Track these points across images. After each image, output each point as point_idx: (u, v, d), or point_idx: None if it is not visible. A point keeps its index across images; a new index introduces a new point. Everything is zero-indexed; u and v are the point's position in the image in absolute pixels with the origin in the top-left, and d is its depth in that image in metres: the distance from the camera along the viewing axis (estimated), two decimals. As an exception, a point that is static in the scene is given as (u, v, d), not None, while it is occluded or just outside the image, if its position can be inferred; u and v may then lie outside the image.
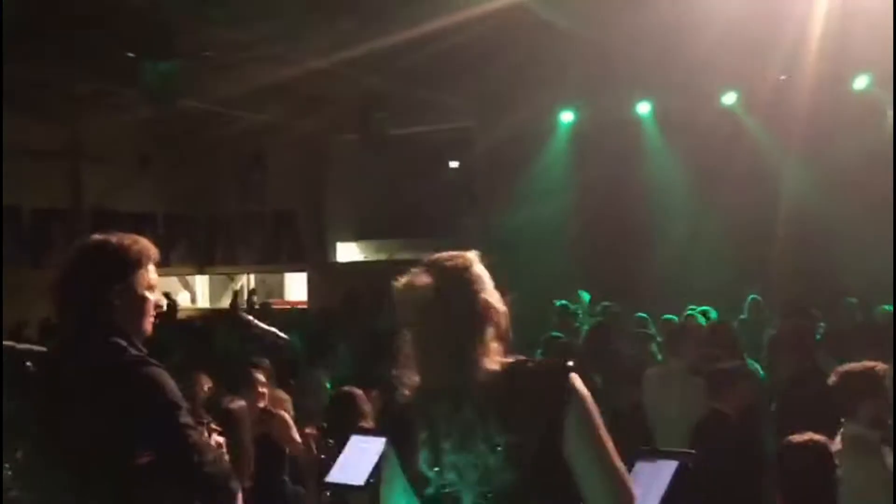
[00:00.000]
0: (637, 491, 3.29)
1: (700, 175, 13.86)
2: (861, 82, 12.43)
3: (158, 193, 18.52)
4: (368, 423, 4.50)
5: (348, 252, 19.03)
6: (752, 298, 9.37)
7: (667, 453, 3.40)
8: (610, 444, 1.99)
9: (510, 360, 2.05)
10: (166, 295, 16.05)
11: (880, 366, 4.00)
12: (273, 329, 5.03)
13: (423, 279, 2.02)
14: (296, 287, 19.27)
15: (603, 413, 2.03)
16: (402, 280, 2.06)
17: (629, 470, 3.34)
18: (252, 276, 20.13)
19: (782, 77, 12.43)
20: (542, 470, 1.93)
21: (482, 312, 2.01)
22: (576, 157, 15.31)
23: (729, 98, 13.65)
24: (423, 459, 2.00)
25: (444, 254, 2.14)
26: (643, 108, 14.47)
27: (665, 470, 3.25)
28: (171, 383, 2.35)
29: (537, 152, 15.67)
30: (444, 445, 1.98)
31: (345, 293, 13.59)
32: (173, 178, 18.50)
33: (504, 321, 2.07)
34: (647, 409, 5.78)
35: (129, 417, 2.26)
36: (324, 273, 17.95)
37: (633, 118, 14.58)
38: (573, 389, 1.97)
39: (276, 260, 19.07)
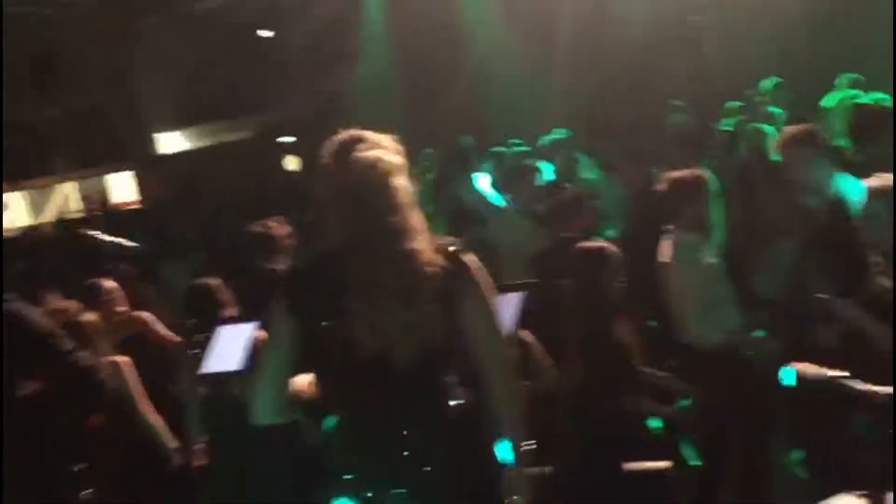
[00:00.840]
0: None
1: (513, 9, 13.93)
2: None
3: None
4: (230, 313, 4.43)
5: (171, 142, 18.15)
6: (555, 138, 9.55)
7: (511, 286, 3.63)
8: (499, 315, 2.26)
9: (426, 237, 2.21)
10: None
11: (702, 173, 4.28)
12: (115, 239, 4.77)
13: (392, 157, 2.15)
14: (122, 188, 18.29)
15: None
16: (366, 153, 2.11)
17: None
18: (74, 184, 18.93)
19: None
20: (455, 334, 2.19)
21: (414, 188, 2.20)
22: (390, 9, 15.01)
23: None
24: (362, 325, 2.10)
25: (371, 134, 2.21)
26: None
27: (512, 301, 3.50)
28: (35, 313, 2.25)
29: (350, 9, 15.22)
30: (390, 307, 2.10)
31: (181, 185, 13.07)
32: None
33: None
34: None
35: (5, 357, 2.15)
36: (150, 168, 17.12)
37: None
38: (467, 271, 2.24)
39: (95, 162, 17.94)
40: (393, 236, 2.11)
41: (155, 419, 3.86)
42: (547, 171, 7.57)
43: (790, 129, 4.24)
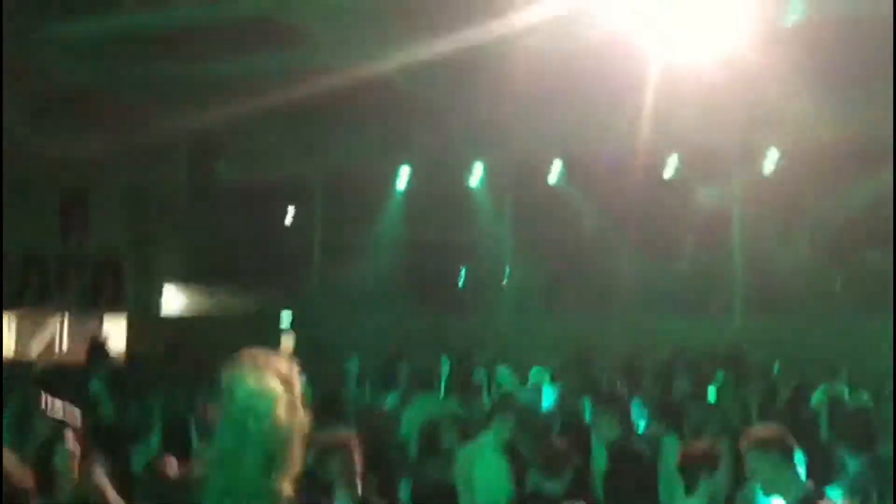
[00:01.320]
0: None
1: (522, 238, 14.41)
2: (670, 168, 13.33)
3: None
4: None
5: (176, 297, 18.33)
6: (535, 370, 9.52)
7: None
8: None
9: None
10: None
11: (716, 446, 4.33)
12: (62, 407, 4.60)
13: (277, 387, 2.03)
14: (118, 336, 18.27)
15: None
16: (253, 380, 2.03)
17: None
18: (66, 323, 19.00)
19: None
20: None
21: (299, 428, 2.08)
22: (410, 215, 15.55)
23: (556, 167, 14.31)
24: None
25: (268, 359, 2.12)
26: (476, 173, 14.92)
27: None
28: None
29: (373, 207, 15.78)
30: None
31: (166, 347, 13.04)
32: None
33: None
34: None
35: None
36: (145, 322, 17.16)
37: (465, 182, 14.97)
38: None
39: (94, 305, 18.05)
40: (254, 467, 2.00)
41: None
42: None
43: (758, 430, 4.15)
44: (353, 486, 3.93)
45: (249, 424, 2.01)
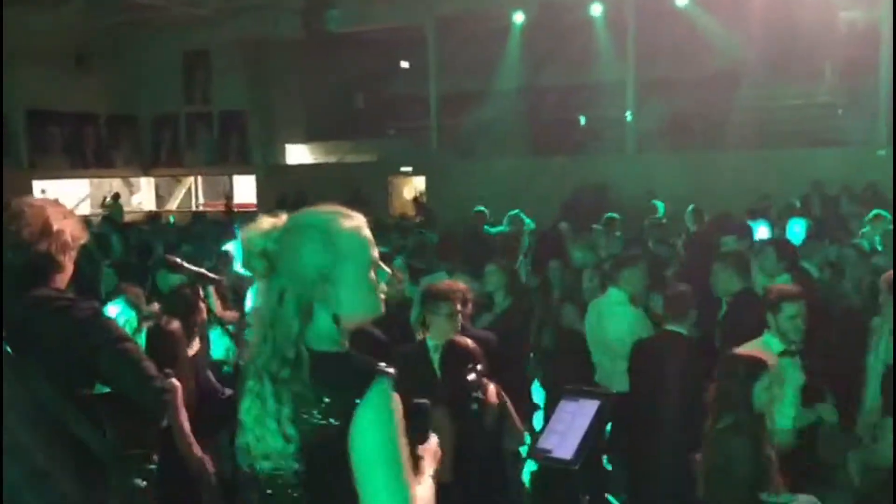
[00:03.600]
0: (559, 427, 3.25)
1: (651, 77, 13.75)
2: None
3: (99, 93, 17.93)
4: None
5: (298, 154, 18.75)
6: (691, 209, 8.28)
7: (589, 392, 3.31)
8: (404, 460, 1.71)
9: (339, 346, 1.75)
10: (115, 196, 16.78)
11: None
12: (201, 270, 4.55)
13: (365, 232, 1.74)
14: (245, 189, 18.98)
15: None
16: (263, 225, 1.72)
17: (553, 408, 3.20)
18: (199, 178, 19.86)
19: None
20: (327, 468, 1.71)
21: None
22: (528, 60, 15.07)
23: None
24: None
25: (331, 210, 1.76)
26: (596, 9, 14.20)
27: (587, 409, 3.18)
28: (105, 320, 2.35)
29: (491, 54, 15.36)
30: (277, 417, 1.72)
31: (292, 195, 13.42)
32: (114, 77, 17.92)
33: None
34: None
35: (77, 353, 2.24)
36: (271, 175, 17.67)
37: (585, 20, 14.30)
38: (374, 393, 1.68)
39: (223, 161, 18.73)
40: (282, 341, 1.69)
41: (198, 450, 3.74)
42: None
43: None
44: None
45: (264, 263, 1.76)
